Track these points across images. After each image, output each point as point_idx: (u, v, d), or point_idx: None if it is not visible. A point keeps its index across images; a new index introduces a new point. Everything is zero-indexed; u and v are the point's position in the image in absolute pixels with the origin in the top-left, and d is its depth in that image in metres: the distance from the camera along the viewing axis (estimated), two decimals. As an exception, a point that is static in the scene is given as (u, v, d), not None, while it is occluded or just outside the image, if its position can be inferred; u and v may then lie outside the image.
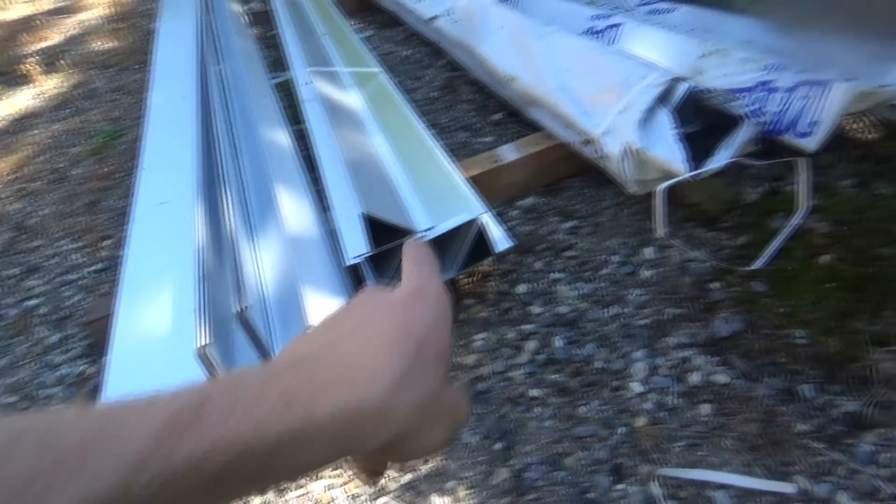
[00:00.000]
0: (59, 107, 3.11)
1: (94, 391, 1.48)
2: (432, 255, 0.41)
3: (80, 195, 2.28)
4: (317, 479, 1.24)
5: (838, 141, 1.79)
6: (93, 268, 1.89)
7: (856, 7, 1.78)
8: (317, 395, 0.28)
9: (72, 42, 4.10)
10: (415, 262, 0.40)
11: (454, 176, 1.66)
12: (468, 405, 0.37)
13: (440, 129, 2.38)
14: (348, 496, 1.20)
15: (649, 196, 1.70)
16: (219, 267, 1.63)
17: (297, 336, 0.36)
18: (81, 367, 1.54)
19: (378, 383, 0.30)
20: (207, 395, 0.27)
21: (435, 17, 2.89)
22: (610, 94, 1.71)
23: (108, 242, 2.00)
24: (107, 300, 1.63)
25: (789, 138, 1.64)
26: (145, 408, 0.26)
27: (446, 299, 0.37)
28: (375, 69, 2.42)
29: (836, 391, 1.18)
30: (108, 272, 1.87)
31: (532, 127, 2.16)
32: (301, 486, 1.23)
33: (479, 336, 1.47)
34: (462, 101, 2.56)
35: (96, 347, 1.60)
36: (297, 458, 0.28)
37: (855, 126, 1.85)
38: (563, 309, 1.49)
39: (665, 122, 1.53)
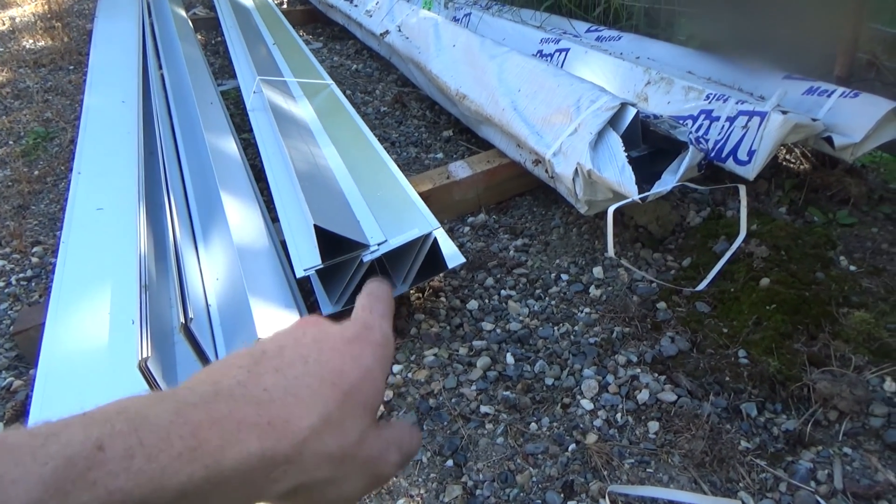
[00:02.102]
0: (-16, 105, 2.95)
1: (21, 405, 1.39)
2: (390, 295, 0.41)
3: (7, 198, 2.16)
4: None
5: (774, 169, 1.89)
6: (21, 275, 1.79)
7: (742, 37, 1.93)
8: (226, 441, 0.26)
9: (1, 38, 3.90)
10: (370, 297, 0.39)
11: (406, 190, 1.65)
12: (399, 454, 0.35)
13: (391, 144, 2.37)
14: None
15: (598, 216, 1.74)
16: (161, 276, 1.57)
17: (229, 354, 0.35)
18: (7, 380, 1.45)
19: (293, 430, 0.29)
20: (107, 435, 0.24)
21: (386, 33, 2.90)
22: (561, 116, 1.74)
23: (38, 249, 1.89)
24: (36, 309, 1.54)
25: (729, 166, 1.71)
26: (35, 451, 0.23)
27: (391, 344, 0.36)
28: (326, 81, 2.40)
29: (776, 410, 1.23)
30: (38, 280, 1.77)
31: (482, 145, 2.18)
32: None
33: (431, 352, 1.46)
34: (412, 116, 2.56)
35: (24, 359, 1.51)
36: None
37: (788, 156, 1.95)
38: (514, 326, 1.50)
39: (615, 145, 1.57)
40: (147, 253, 1.48)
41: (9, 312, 1.66)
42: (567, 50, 2.39)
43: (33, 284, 1.76)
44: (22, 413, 1.38)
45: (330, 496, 0.32)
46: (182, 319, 1.25)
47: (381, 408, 1.34)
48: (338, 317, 1.52)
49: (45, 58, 3.49)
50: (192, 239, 1.69)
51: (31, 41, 3.80)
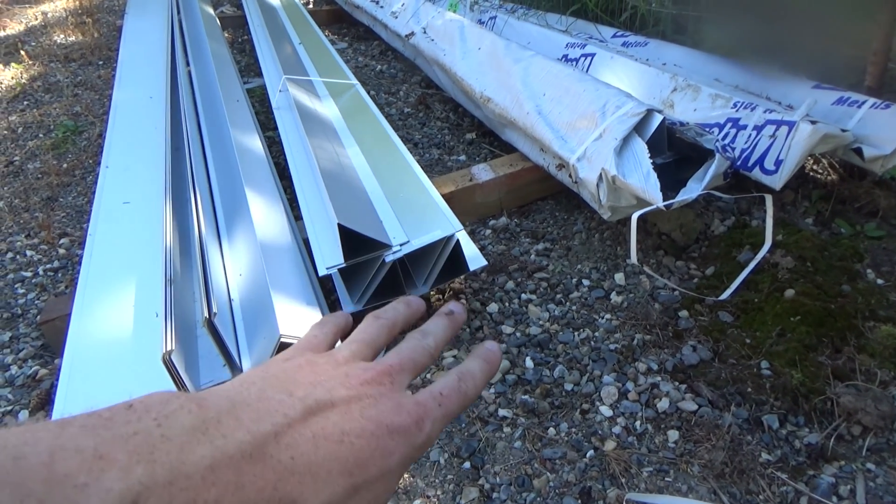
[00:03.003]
0: (16, 98, 3.00)
1: (46, 394, 1.41)
2: (483, 385, 0.38)
3: (36, 190, 2.20)
4: None
5: (800, 180, 1.87)
6: (48, 266, 1.82)
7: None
8: None
9: (33, 33, 3.97)
10: (456, 384, 0.36)
11: (429, 191, 1.66)
12: None
13: (414, 145, 2.38)
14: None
15: (621, 223, 1.73)
16: (185, 270, 1.58)
17: (289, 370, 0.33)
18: (33, 369, 1.47)
19: None
20: (145, 488, 0.23)
21: (411, 34, 2.91)
22: (586, 121, 1.74)
23: (65, 240, 1.93)
24: (63, 300, 1.57)
25: (755, 175, 1.70)
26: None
27: (425, 449, 0.34)
28: (351, 81, 2.41)
29: (799, 423, 1.21)
30: (65, 271, 1.80)
31: (505, 148, 2.18)
32: None
33: (450, 353, 1.46)
34: (436, 118, 2.57)
35: (49, 349, 1.53)
36: None
37: (816, 167, 1.93)
38: (533, 330, 1.50)
39: (640, 152, 1.56)
40: (172, 247, 1.50)
41: (36, 302, 1.69)
42: (593, 55, 2.38)
43: (60, 275, 1.79)
44: (47, 402, 1.40)
45: None
46: (206, 314, 1.27)
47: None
48: (359, 317, 1.53)
49: (76, 53, 3.54)
50: (217, 234, 1.71)
51: (62, 36, 3.86)
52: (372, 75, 3.08)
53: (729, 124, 1.81)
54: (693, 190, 1.50)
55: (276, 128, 2.26)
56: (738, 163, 1.74)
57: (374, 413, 0.32)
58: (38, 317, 1.59)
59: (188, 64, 2.89)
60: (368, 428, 0.31)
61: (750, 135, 1.74)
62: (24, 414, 1.38)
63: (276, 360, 0.35)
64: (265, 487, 0.26)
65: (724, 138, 1.79)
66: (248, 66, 3.27)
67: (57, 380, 1.33)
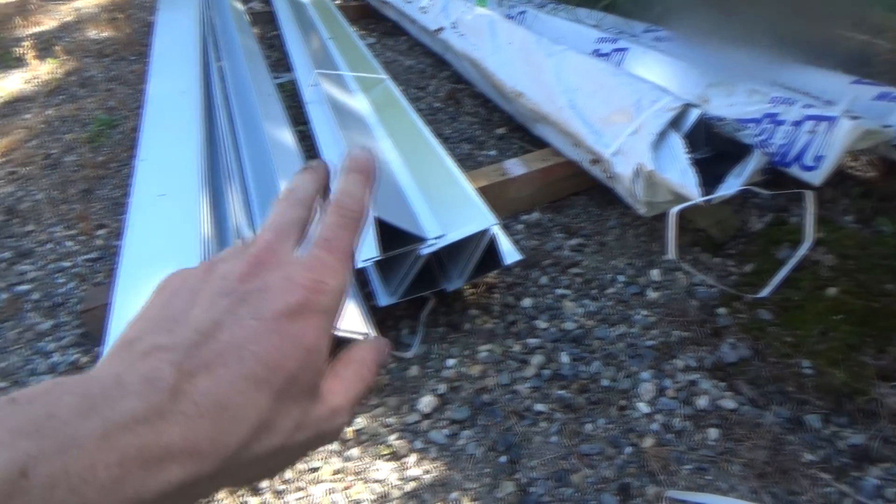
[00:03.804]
0: (52, 93, 3.05)
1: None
2: (366, 199, 0.33)
3: (74, 182, 2.23)
4: (317, 483, 1.21)
5: (838, 177, 1.83)
6: (87, 256, 1.85)
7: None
8: (149, 472, 0.24)
9: (67, 28, 4.03)
10: (340, 213, 0.33)
11: (463, 185, 1.65)
12: (348, 412, 0.31)
13: (443, 140, 2.37)
14: (350, 501, 1.17)
15: (656, 218, 1.72)
16: (221, 263, 1.60)
17: (160, 306, 0.30)
18: (74, 356, 1.50)
19: (219, 449, 0.26)
20: (33, 457, 0.22)
21: (440, 29, 2.91)
22: (621, 115, 1.72)
23: (102, 231, 1.95)
24: (102, 290, 1.59)
25: (794, 171, 1.67)
26: None
27: (341, 303, 0.31)
28: (382, 75, 2.41)
29: (842, 423, 1.19)
30: (103, 262, 1.83)
31: (536, 143, 2.17)
32: (301, 489, 1.20)
33: (485, 347, 1.46)
34: (465, 113, 2.56)
35: (90, 337, 1.56)
36: None
37: (855, 163, 1.89)
38: (568, 325, 1.49)
39: (677, 147, 1.55)
40: (210, 238, 1.52)
41: (75, 291, 1.71)
42: (625, 49, 2.36)
43: (98, 265, 1.81)
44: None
45: (257, 476, 0.30)
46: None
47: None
48: (392, 310, 1.54)
49: (109, 48, 3.59)
50: (251, 226, 1.72)
51: (95, 32, 3.92)
52: (400, 70, 3.08)
53: (766, 120, 1.78)
54: (732, 186, 1.48)
55: (306, 122, 2.28)
56: (776, 159, 1.71)
57: (265, 308, 0.29)
58: (79, 306, 1.62)
59: (219, 59, 2.91)
60: (265, 326, 0.28)
61: (788, 130, 1.71)
62: (65, 401, 1.40)
63: (156, 289, 0.32)
64: (172, 441, 0.25)
65: (761, 134, 1.76)
66: (278, 62, 3.29)
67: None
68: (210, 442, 0.26)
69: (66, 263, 1.82)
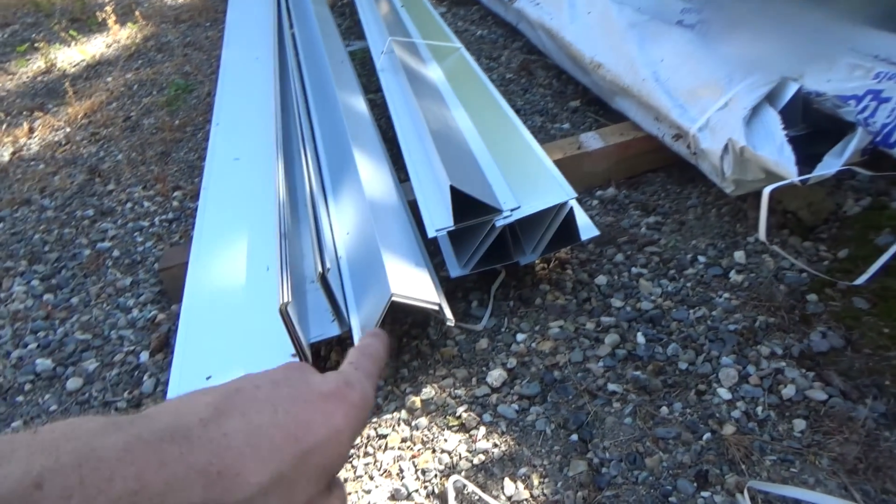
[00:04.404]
0: (131, 57, 3.13)
1: (165, 337, 1.47)
2: (384, 353, 0.39)
3: (151, 144, 2.29)
4: (385, 450, 1.21)
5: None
6: (164, 217, 1.89)
7: None
8: (170, 488, 0.25)
9: (145, -6, 4.12)
10: (360, 353, 0.37)
11: (540, 157, 1.61)
12: None
13: (516, 112, 2.31)
14: (417, 470, 1.17)
15: (741, 198, 1.63)
16: (294, 227, 1.61)
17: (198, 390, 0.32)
18: (152, 313, 1.54)
19: (241, 485, 0.27)
20: (48, 469, 0.22)
21: (515, -1, 2.83)
22: (710, 89, 1.64)
23: (178, 193, 2.00)
24: (179, 249, 1.62)
25: (898, 152, 1.56)
26: None
27: (369, 406, 0.34)
28: (456, 44, 2.37)
29: (945, 421, 1.11)
30: (178, 222, 1.87)
31: (611, 117, 2.09)
32: (369, 455, 1.20)
33: (556, 324, 1.42)
34: (538, 84, 2.50)
35: (166, 294, 1.59)
36: None
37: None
38: (645, 305, 1.44)
39: (772, 122, 1.46)
40: (285, 203, 1.52)
41: (153, 251, 1.76)
42: (711, 21, 2.24)
43: (174, 226, 1.86)
44: (165, 344, 1.46)
45: None
46: (319, 269, 1.28)
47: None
48: (461, 282, 1.52)
49: (185, 14, 3.65)
50: (323, 193, 1.72)
51: (172, -2, 3.99)
52: (472, 40, 3.03)
53: (869, 97, 1.66)
54: (831, 165, 1.39)
55: (378, 90, 2.26)
56: (878, 139, 1.59)
57: (302, 388, 0.31)
58: (156, 264, 1.66)
59: (291, 26, 2.92)
60: (301, 398, 0.31)
61: (894, 108, 1.59)
62: (144, 355, 1.44)
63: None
64: (196, 462, 0.25)
65: (862, 111, 1.64)
66: (349, 30, 3.28)
67: (176, 325, 1.39)
68: (234, 474, 0.26)
69: (145, 223, 1.86)
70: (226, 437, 0.27)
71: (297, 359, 1.22)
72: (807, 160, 1.47)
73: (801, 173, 1.37)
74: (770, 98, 1.53)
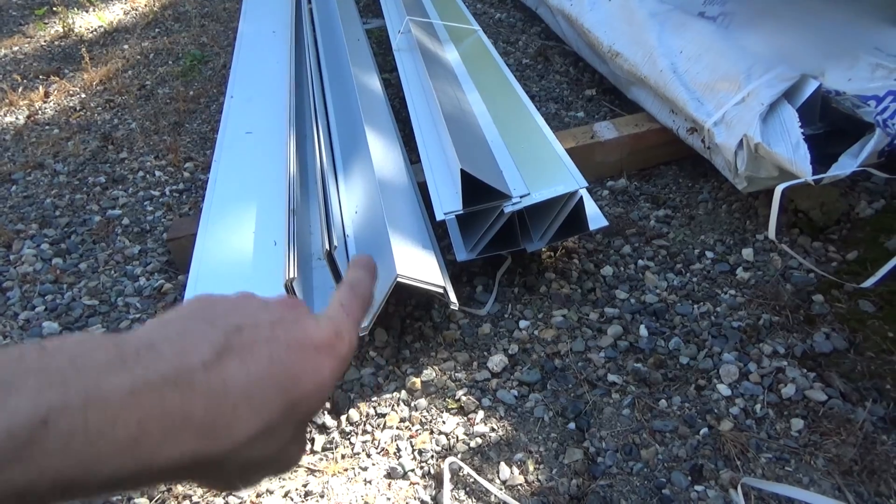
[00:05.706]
0: (148, 25, 3.12)
1: (170, 306, 1.48)
2: (371, 289, 0.39)
3: (165, 114, 2.29)
4: (384, 428, 1.22)
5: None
6: (174, 187, 1.90)
7: None
8: (166, 437, 0.25)
9: (165, -37, 4.10)
10: (351, 293, 0.37)
11: (553, 145, 1.60)
12: (299, 456, 0.35)
13: (530, 98, 2.30)
14: (414, 450, 1.18)
15: (753, 195, 1.62)
16: (303, 203, 1.61)
17: (206, 301, 0.32)
18: (159, 282, 1.55)
19: (232, 436, 0.27)
20: (56, 408, 0.23)
21: (536, -17, 2.80)
22: (728, 83, 1.62)
23: (189, 164, 2.00)
24: (188, 220, 1.63)
25: (915, 156, 1.54)
26: None
27: (351, 357, 0.34)
28: (474, 26, 2.35)
29: (944, 428, 1.11)
30: (189, 193, 1.87)
31: (626, 107, 2.08)
32: (367, 433, 1.22)
33: (559, 312, 1.42)
34: (555, 71, 2.48)
35: (174, 264, 1.61)
36: (119, 490, 0.26)
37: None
38: (649, 298, 1.43)
39: (789, 120, 1.44)
40: (295, 178, 1.52)
41: (162, 220, 1.77)
42: (733, 14, 2.21)
43: (185, 197, 1.86)
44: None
45: (220, 483, 0.31)
46: (327, 246, 1.28)
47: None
48: (467, 266, 1.52)
49: (204, -16, 3.63)
50: (333, 170, 1.72)
51: (191, -33, 3.97)
52: (490, 23, 3.00)
53: (889, 97, 1.63)
54: (847, 165, 1.37)
55: (393, 69, 2.25)
56: (896, 141, 1.57)
57: (297, 332, 0.32)
58: (165, 234, 1.67)
59: (309, 1, 2.90)
60: (295, 346, 0.31)
61: (914, 111, 1.57)
62: (149, 323, 1.46)
63: (192, 299, 0.34)
64: (193, 412, 0.26)
65: (882, 112, 1.62)
66: (367, 7, 3.26)
67: (182, 295, 1.40)
68: (226, 426, 0.27)
69: (155, 192, 1.87)
70: (224, 384, 0.28)
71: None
72: (822, 159, 1.46)
73: (815, 173, 1.36)
74: (788, 95, 1.51)
